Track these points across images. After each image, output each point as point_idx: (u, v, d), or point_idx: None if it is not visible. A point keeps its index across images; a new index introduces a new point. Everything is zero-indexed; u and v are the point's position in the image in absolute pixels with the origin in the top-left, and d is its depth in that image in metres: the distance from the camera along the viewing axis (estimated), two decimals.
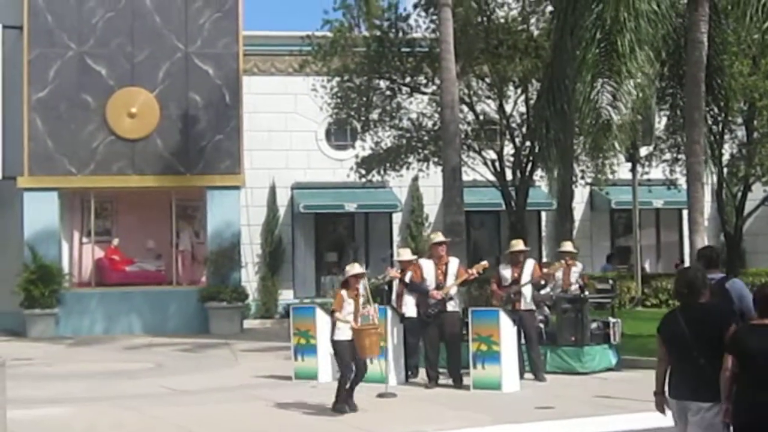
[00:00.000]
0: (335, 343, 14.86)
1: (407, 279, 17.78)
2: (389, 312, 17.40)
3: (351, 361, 14.57)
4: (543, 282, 18.04)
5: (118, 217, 31.48)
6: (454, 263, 17.61)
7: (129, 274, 30.42)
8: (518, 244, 18.39)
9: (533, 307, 18.04)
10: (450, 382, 17.21)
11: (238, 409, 15.41)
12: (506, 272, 18.13)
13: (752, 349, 8.02)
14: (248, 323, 30.53)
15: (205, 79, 29.80)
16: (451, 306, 17.41)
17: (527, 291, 17.89)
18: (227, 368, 21.06)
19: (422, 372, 17.72)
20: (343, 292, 14.98)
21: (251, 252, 32.86)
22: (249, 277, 32.24)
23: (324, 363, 17.99)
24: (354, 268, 15.36)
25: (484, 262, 18.01)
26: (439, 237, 18.17)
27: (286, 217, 34.05)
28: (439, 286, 17.32)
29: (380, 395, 15.97)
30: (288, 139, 33.75)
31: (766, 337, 8.11)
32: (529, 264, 18.16)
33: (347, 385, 14.55)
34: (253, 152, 32.04)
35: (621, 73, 19.28)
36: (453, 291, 17.47)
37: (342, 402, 14.46)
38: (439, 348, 17.45)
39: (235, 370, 20.62)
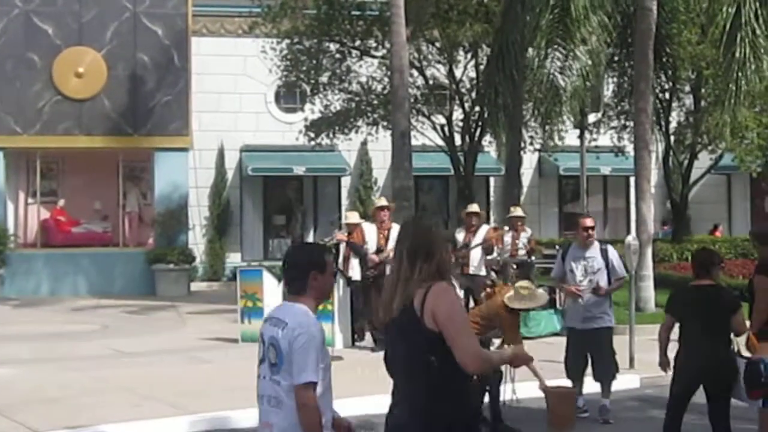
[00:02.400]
0: None
1: (350, 240, 17.81)
2: (336, 275, 17.41)
3: None
4: (493, 247, 18.11)
5: (64, 178, 31.24)
6: (396, 229, 17.62)
7: (75, 235, 30.20)
8: (472, 207, 18.55)
9: (482, 272, 18.12)
10: None
11: (184, 370, 15.39)
12: (459, 236, 18.24)
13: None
14: (195, 286, 30.42)
15: (153, 39, 29.53)
16: (390, 269, 17.40)
17: (476, 255, 17.97)
18: (174, 330, 21.00)
19: (368, 335, 17.78)
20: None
21: (199, 214, 32.75)
22: (196, 240, 32.15)
23: None
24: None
25: None
26: (382, 201, 18.24)
27: (234, 180, 33.92)
28: (380, 250, 17.35)
29: None
30: (237, 101, 33.56)
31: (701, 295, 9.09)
32: (482, 229, 18.28)
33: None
34: (202, 114, 31.85)
35: (574, 38, 19.33)
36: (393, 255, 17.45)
37: None
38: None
39: (181, 333, 20.56)
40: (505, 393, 11.60)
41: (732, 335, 9.29)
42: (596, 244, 12.42)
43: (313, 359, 5.46)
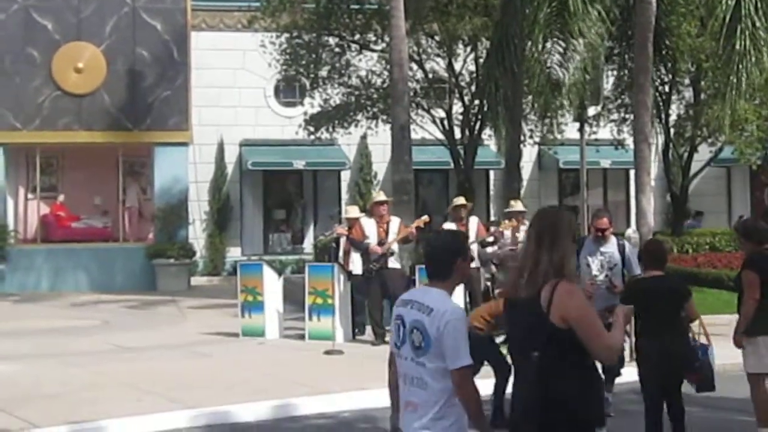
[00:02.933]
0: None
1: (352, 236, 17.84)
2: (336, 269, 17.44)
3: None
4: (490, 239, 18.07)
5: (64, 173, 31.23)
6: (395, 222, 17.68)
7: (75, 230, 30.17)
8: (459, 200, 18.50)
9: (478, 265, 18.12)
10: None
11: (185, 365, 15.40)
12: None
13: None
14: (195, 280, 30.45)
15: (152, 34, 29.51)
16: (393, 263, 17.46)
17: (473, 249, 17.95)
18: (174, 325, 21.02)
19: (369, 329, 17.80)
20: None
21: (199, 209, 32.73)
22: (196, 234, 32.16)
23: (271, 320, 18.03)
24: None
25: (425, 217, 18.07)
26: (380, 196, 18.26)
27: (234, 174, 33.90)
28: (380, 243, 17.36)
29: (327, 352, 16.03)
30: (236, 95, 33.53)
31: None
32: (473, 222, 18.26)
33: None
34: (201, 108, 31.83)
35: (573, 31, 19.32)
36: (395, 247, 17.51)
37: None
38: (382, 305, 17.48)
39: (181, 327, 20.58)
40: None
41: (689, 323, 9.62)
42: (613, 239, 12.33)
43: (465, 342, 5.66)
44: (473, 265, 17.92)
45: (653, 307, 9.34)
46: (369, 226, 17.68)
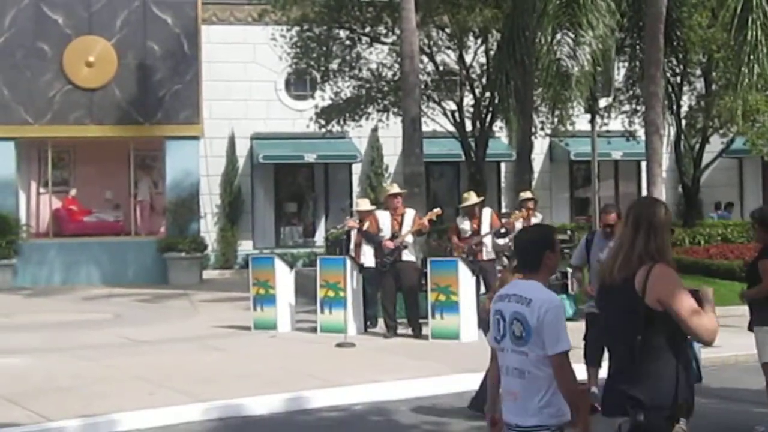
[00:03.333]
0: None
1: (365, 229, 17.84)
2: (348, 262, 17.45)
3: None
4: (504, 230, 18.05)
5: (75, 168, 31.28)
6: (410, 214, 17.65)
7: (87, 224, 30.25)
8: (470, 197, 18.44)
9: (494, 257, 18.14)
10: (409, 331, 17.29)
11: (197, 358, 15.42)
12: (465, 225, 18.19)
13: None
14: (207, 274, 30.48)
15: (163, 27, 29.52)
16: (407, 255, 17.46)
17: (488, 241, 17.96)
18: (186, 318, 21.05)
19: (381, 322, 17.80)
20: None
21: (210, 202, 32.77)
22: (208, 228, 32.20)
23: (283, 313, 18.05)
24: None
25: (437, 209, 18.06)
26: (394, 188, 18.22)
27: (245, 168, 33.92)
28: (394, 236, 17.36)
29: (339, 345, 16.04)
30: (247, 89, 33.55)
31: None
32: (486, 213, 18.25)
33: None
34: (212, 102, 31.84)
35: (582, 24, 19.27)
36: (408, 240, 17.52)
37: None
38: (395, 298, 17.50)
39: (193, 321, 20.62)
40: None
41: None
42: None
43: (564, 328, 5.88)
44: (487, 257, 17.98)
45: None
46: (383, 218, 17.69)
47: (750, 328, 10.34)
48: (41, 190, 30.83)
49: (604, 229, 12.16)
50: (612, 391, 5.79)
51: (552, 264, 6.17)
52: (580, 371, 10.50)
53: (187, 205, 29.55)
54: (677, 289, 5.64)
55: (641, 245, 5.74)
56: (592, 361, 11.88)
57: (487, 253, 17.96)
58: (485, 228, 17.88)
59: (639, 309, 5.61)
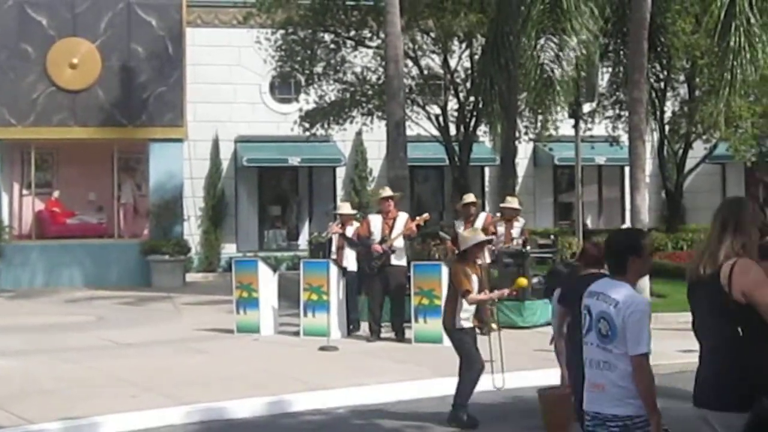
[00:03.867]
0: (458, 333, 11.43)
1: (348, 233, 17.87)
2: (331, 265, 17.47)
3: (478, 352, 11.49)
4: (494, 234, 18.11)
5: (59, 169, 31.21)
6: (402, 218, 17.70)
7: (70, 226, 30.19)
8: (469, 197, 18.62)
9: (486, 260, 18.17)
10: (392, 335, 17.31)
11: (180, 361, 15.40)
12: (459, 228, 18.25)
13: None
14: (190, 276, 30.44)
15: (147, 30, 29.50)
16: (395, 259, 17.49)
17: None
18: (169, 321, 21.02)
19: (364, 325, 17.82)
20: (467, 269, 11.37)
21: (194, 205, 32.71)
22: (191, 231, 32.12)
23: (266, 316, 18.05)
24: (475, 235, 11.84)
25: (426, 215, 18.12)
26: (386, 192, 18.27)
27: (229, 171, 33.88)
28: (383, 240, 17.40)
29: (322, 348, 16.05)
30: (232, 91, 33.51)
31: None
32: (481, 217, 18.38)
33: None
34: (197, 105, 31.80)
35: (565, 29, 19.33)
36: (398, 244, 17.54)
37: (464, 407, 11.30)
38: (383, 302, 17.53)
39: (176, 323, 20.58)
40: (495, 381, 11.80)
41: None
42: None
43: (647, 332, 6.08)
44: (482, 260, 18.01)
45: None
46: (375, 222, 17.76)
47: None
48: (24, 191, 30.75)
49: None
50: (706, 383, 5.88)
51: (638, 268, 6.32)
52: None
53: (170, 207, 29.51)
54: (760, 281, 5.76)
55: (728, 242, 5.89)
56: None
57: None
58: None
59: (726, 303, 5.74)
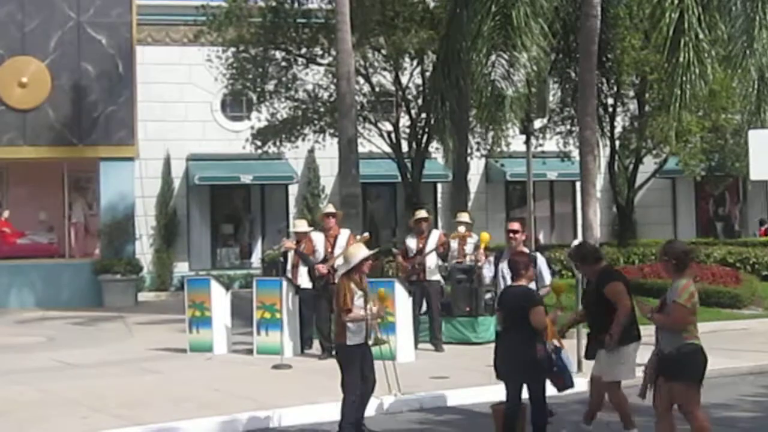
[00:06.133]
0: (347, 350, 11.30)
1: (302, 250, 17.83)
2: (284, 283, 17.41)
3: (360, 373, 11.34)
4: (440, 250, 18.15)
5: (8, 189, 31.00)
6: (344, 235, 17.65)
7: (20, 246, 29.97)
8: (421, 213, 18.70)
9: (437, 277, 18.21)
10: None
11: (132, 381, 15.29)
12: (411, 243, 18.31)
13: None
14: (143, 296, 30.29)
15: (98, 48, 29.34)
16: (430, 275, 17.62)
17: (431, 261, 18.04)
18: (121, 341, 20.88)
19: (317, 343, 17.78)
20: (352, 285, 11.35)
21: (146, 224, 32.56)
22: (143, 250, 31.95)
23: (219, 335, 17.99)
24: (360, 250, 11.83)
25: (366, 234, 18.00)
26: (329, 208, 18.30)
27: (181, 189, 33.78)
28: (325, 259, 17.37)
29: (275, 366, 16.00)
30: (183, 110, 33.44)
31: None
32: (434, 234, 18.39)
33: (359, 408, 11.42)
34: (148, 123, 31.69)
35: (516, 45, 19.37)
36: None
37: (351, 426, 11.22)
38: (330, 319, 17.47)
39: (129, 343, 20.45)
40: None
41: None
42: (525, 251, 12.59)
43: None
44: (436, 278, 18.07)
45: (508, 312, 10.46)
46: (319, 240, 17.71)
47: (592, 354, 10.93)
48: None
49: (507, 235, 12.67)
50: None
51: None
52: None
53: (122, 226, 29.33)
54: None
55: None
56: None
57: (430, 273, 18.04)
58: (429, 246, 17.99)
59: None
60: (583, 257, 11.02)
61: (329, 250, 17.45)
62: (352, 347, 11.23)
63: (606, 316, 10.49)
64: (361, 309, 11.23)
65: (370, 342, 11.40)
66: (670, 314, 9.33)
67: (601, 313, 10.61)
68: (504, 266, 12.47)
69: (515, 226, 12.79)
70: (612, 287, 10.59)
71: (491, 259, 13.35)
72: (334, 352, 11.66)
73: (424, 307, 18.22)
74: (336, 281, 16.96)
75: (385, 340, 12.47)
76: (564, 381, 10.46)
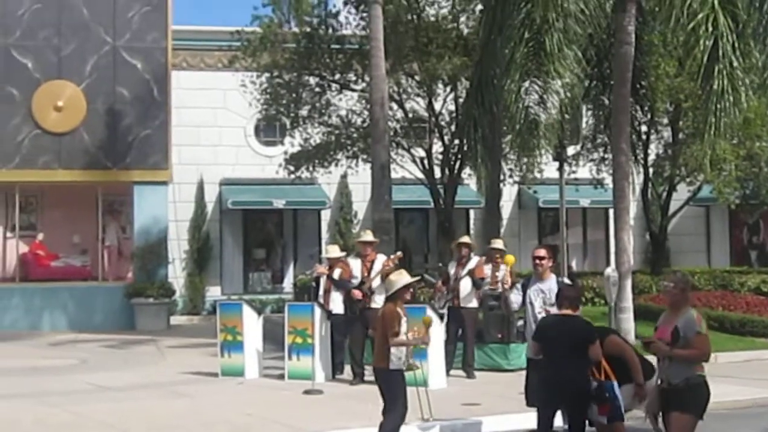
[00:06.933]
0: (390, 375, 11.38)
1: (335, 276, 17.84)
2: (316, 308, 17.41)
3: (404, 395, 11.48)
4: (480, 279, 18.12)
5: (43, 212, 31.17)
6: (380, 260, 17.68)
7: (54, 269, 30.10)
8: (464, 238, 18.85)
9: (472, 304, 18.16)
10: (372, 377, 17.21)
11: (164, 405, 15.31)
12: (451, 269, 18.32)
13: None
14: (175, 320, 30.35)
15: (133, 73, 29.53)
16: (376, 302, 17.45)
17: (466, 287, 18.00)
18: (153, 365, 20.91)
19: (348, 369, 17.75)
20: (398, 310, 11.50)
21: (178, 248, 32.67)
22: (176, 273, 32.06)
23: (251, 360, 17.97)
24: (403, 277, 11.85)
25: (399, 253, 18.02)
26: (367, 236, 18.28)
27: (214, 213, 33.88)
28: (362, 283, 17.41)
29: (307, 392, 15.98)
30: (217, 134, 33.59)
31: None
32: (473, 261, 18.34)
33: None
34: (182, 147, 31.84)
35: (549, 72, 19.37)
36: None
37: None
38: (364, 345, 17.47)
39: (161, 367, 20.48)
40: None
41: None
42: (553, 277, 12.55)
43: None
44: (471, 304, 18.05)
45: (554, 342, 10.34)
46: (355, 266, 17.77)
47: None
48: (8, 234, 30.69)
49: (533, 262, 12.58)
50: None
51: None
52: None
53: (155, 250, 29.44)
54: None
55: None
56: (533, 404, 11.88)
57: (463, 300, 18.01)
58: (462, 273, 17.99)
59: None
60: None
61: (366, 274, 17.52)
62: (394, 372, 11.27)
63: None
64: (403, 335, 11.25)
65: (404, 368, 11.41)
66: (695, 346, 9.21)
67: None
68: (531, 293, 12.42)
69: (541, 252, 12.75)
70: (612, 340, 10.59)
71: (519, 285, 13.29)
72: (374, 377, 11.65)
73: (459, 332, 18.19)
74: (371, 305, 17.09)
75: (418, 366, 12.47)
76: (611, 411, 10.33)
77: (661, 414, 9.35)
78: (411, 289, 11.86)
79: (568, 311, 10.52)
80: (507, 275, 15.18)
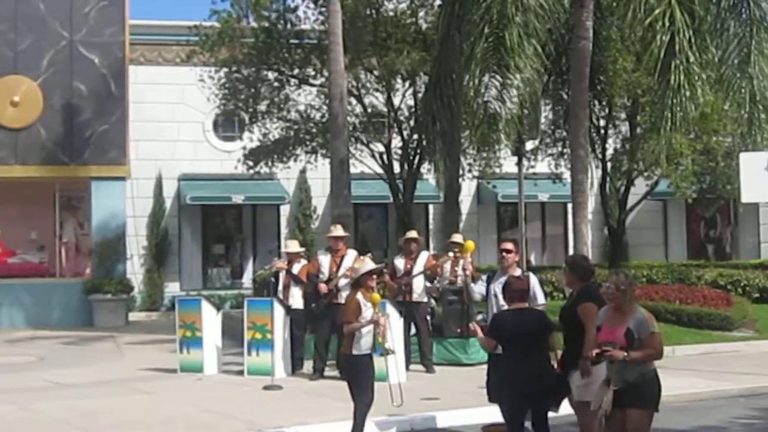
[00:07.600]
0: (352, 359, 11.63)
1: (295, 271, 17.82)
2: (275, 303, 17.39)
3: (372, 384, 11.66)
4: (429, 272, 18.12)
5: None
6: (350, 256, 17.68)
7: (11, 266, 29.92)
8: (411, 233, 18.70)
9: (425, 299, 18.17)
10: (336, 373, 17.22)
11: (122, 402, 15.25)
12: (399, 263, 18.29)
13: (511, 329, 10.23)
14: (133, 316, 30.23)
15: (90, 67, 29.36)
16: (342, 298, 17.44)
17: (419, 282, 18.00)
18: (111, 361, 20.81)
19: (308, 364, 17.74)
20: (359, 297, 11.70)
21: (137, 244, 32.53)
22: (134, 269, 31.92)
23: (210, 355, 17.93)
24: (366, 264, 12.20)
25: (369, 254, 17.99)
26: (337, 231, 18.21)
27: (172, 209, 33.75)
28: (329, 279, 17.41)
29: (266, 387, 15.97)
30: (175, 129, 33.45)
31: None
32: (423, 256, 18.36)
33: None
34: (140, 143, 31.70)
35: (509, 67, 19.39)
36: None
37: None
38: (329, 340, 17.47)
39: (119, 363, 20.38)
40: None
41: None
42: (518, 271, 12.61)
43: None
44: (421, 299, 18.04)
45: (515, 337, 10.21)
46: (324, 260, 17.77)
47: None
48: None
49: (500, 254, 12.69)
50: None
51: None
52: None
53: (113, 246, 29.29)
54: None
55: None
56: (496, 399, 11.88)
57: (417, 295, 18.00)
58: (417, 268, 17.96)
59: None
60: (573, 266, 10.84)
61: (334, 270, 17.50)
62: (355, 357, 11.42)
63: (578, 334, 10.35)
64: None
65: (379, 353, 11.50)
66: (651, 346, 9.20)
67: (573, 330, 10.50)
68: (496, 287, 12.44)
69: (509, 245, 12.81)
70: (585, 307, 10.27)
71: (483, 278, 13.33)
72: (339, 370, 11.79)
73: (413, 329, 18.18)
74: (338, 301, 17.08)
75: (393, 351, 12.55)
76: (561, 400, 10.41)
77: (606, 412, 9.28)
78: (375, 276, 11.87)
79: (521, 304, 10.51)
80: (468, 263, 15.16)
